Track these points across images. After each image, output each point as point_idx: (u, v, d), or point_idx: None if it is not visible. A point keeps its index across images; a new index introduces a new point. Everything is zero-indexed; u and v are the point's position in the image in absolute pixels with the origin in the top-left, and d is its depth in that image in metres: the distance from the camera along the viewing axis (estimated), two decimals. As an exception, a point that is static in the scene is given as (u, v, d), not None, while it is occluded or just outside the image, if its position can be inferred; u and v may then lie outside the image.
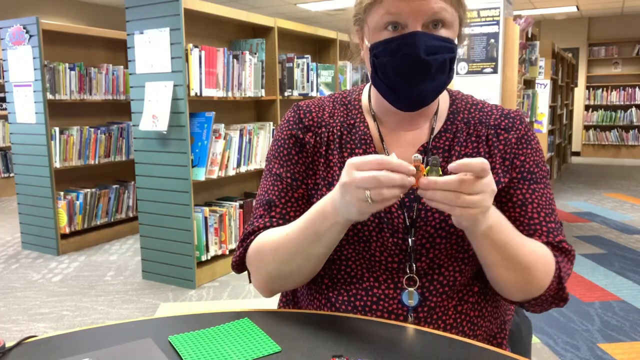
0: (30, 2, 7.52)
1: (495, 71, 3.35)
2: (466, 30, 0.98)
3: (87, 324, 2.76)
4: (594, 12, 9.59)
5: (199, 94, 3.16)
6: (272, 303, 2.67)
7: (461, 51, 3.12)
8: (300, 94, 4.08)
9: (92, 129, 4.18)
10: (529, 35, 3.86)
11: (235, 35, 3.79)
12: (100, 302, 3.06)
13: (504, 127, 1.00)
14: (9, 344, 0.83)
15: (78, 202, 4.08)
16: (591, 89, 10.38)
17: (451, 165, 0.75)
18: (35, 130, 3.90)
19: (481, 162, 0.74)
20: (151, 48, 3.12)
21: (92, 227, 4.27)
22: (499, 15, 3.30)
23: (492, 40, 3.32)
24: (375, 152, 0.99)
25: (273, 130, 3.80)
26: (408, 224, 0.94)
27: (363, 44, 0.97)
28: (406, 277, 0.95)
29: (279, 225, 0.99)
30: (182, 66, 3.04)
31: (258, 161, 3.70)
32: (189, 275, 3.25)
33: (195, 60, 3.12)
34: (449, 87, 1.02)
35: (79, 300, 3.09)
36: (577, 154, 10.47)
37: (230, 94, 3.42)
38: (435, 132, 1.00)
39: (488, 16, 3.32)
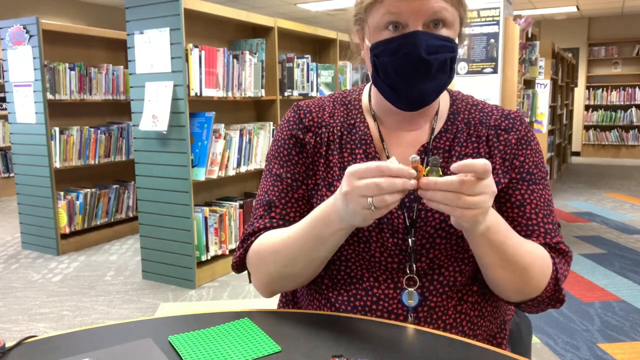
0: (30, 2, 7.52)
1: (495, 71, 3.34)
2: (466, 30, 0.98)
3: (87, 324, 2.76)
4: (594, 12, 9.59)
5: (199, 94, 3.16)
6: (272, 303, 2.67)
7: (461, 51, 3.10)
8: (300, 94, 4.08)
9: (92, 129, 4.18)
10: (529, 35, 3.86)
11: (235, 35, 3.79)
12: (100, 302, 3.06)
13: (504, 128, 1.00)
14: (9, 344, 0.83)
15: (78, 202, 4.08)
16: (591, 89, 10.38)
17: (454, 166, 0.74)
18: (35, 130, 3.90)
19: (484, 163, 0.74)
20: (151, 48, 3.12)
21: (92, 227, 4.27)
22: (499, 15, 3.30)
23: (492, 40, 3.32)
24: (376, 153, 0.99)
25: (273, 130, 3.80)
26: (408, 224, 0.94)
27: (363, 44, 0.97)
28: (406, 277, 0.95)
29: (279, 226, 0.99)
30: (182, 66, 3.04)
31: (258, 161, 3.70)
32: (189, 275, 3.25)
33: (195, 60, 3.12)
34: (449, 87, 1.02)
35: (79, 300, 3.09)
36: (577, 154, 10.47)
37: (230, 94, 3.42)
38: (436, 132, 1.00)
39: (488, 16, 3.32)
